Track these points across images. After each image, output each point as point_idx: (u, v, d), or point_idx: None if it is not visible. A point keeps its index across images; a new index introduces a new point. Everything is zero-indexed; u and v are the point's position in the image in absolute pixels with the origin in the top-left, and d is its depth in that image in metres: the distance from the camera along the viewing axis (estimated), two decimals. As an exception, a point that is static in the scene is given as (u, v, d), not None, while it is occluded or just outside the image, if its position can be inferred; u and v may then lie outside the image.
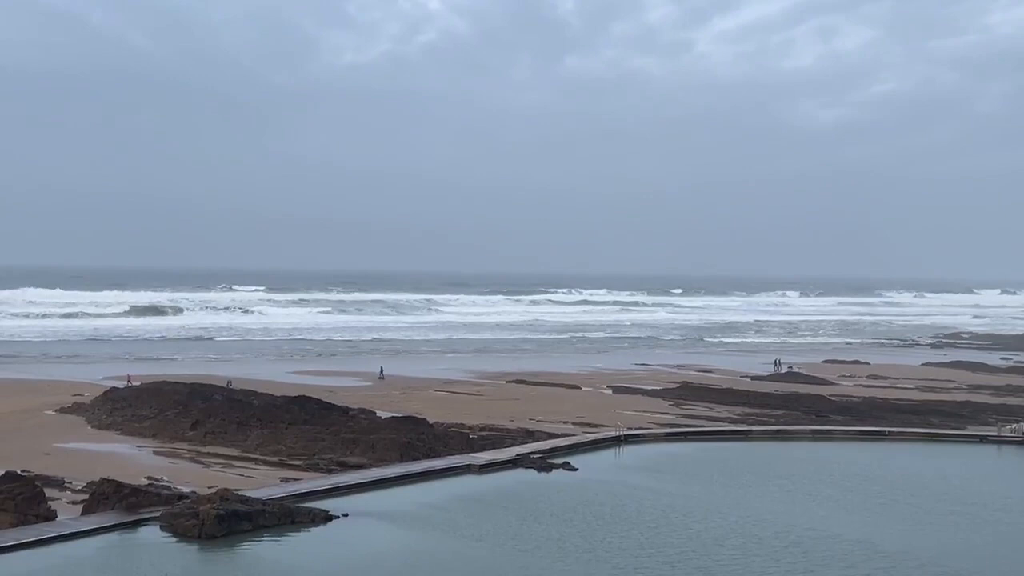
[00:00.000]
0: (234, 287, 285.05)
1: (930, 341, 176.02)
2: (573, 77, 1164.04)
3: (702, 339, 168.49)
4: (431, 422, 65.38)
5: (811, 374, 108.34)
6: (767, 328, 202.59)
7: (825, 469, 56.63)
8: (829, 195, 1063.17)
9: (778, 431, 69.09)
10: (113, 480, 43.24)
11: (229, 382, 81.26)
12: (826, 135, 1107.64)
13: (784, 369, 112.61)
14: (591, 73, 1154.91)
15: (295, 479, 50.24)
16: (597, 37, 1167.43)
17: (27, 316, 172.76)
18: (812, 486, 51.90)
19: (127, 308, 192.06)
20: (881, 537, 41.53)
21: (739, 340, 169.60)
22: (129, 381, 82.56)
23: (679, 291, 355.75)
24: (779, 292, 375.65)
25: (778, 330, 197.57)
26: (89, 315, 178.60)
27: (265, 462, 55.50)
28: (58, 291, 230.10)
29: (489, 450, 58.10)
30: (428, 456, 55.97)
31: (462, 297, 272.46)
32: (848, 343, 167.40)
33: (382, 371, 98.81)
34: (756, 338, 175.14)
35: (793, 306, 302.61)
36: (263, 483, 48.92)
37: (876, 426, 71.96)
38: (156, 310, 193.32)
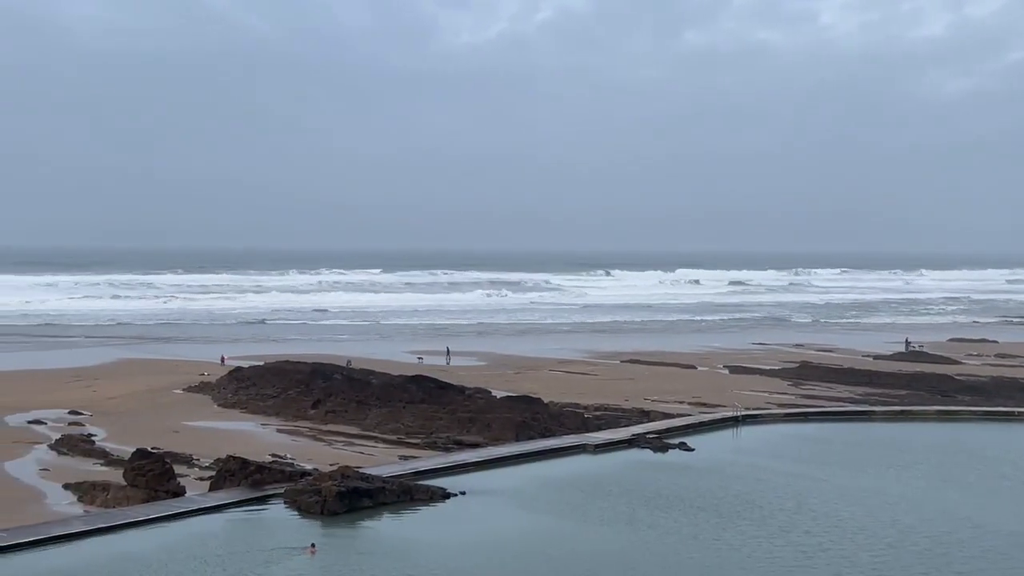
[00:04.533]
0: (348, 270, 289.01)
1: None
2: (692, 52, 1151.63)
3: (824, 319, 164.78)
4: (546, 401, 65.50)
5: (936, 353, 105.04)
6: (892, 306, 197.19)
7: (957, 452, 54.74)
8: (958, 168, 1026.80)
9: (902, 411, 67.19)
10: (239, 457, 44.45)
11: (349, 361, 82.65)
12: (955, 106, 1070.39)
13: (916, 348, 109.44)
14: (711, 47, 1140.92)
15: (413, 457, 50.91)
16: (718, 10, 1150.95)
17: (161, 299, 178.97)
18: (947, 470, 49.96)
19: (238, 289, 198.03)
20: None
21: (862, 320, 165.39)
22: (223, 362, 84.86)
23: (812, 269, 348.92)
24: (903, 271, 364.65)
25: (904, 308, 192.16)
26: (210, 296, 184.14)
27: (384, 440, 56.39)
28: (170, 275, 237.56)
29: (604, 430, 57.90)
30: (543, 435, 56.10)
31: (585, 277, 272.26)
32: (976, 321, 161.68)
33: (448, 352, 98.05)
34: (880, 317, 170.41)
35: (920, 284, 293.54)
36: (382, 461, 49.71)
37: (1005, 406, 69.42)
38: (278, 291, 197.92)
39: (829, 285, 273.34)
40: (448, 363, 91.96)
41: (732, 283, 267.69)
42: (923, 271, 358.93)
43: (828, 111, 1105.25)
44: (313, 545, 35.19)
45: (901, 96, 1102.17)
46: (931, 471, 49.81)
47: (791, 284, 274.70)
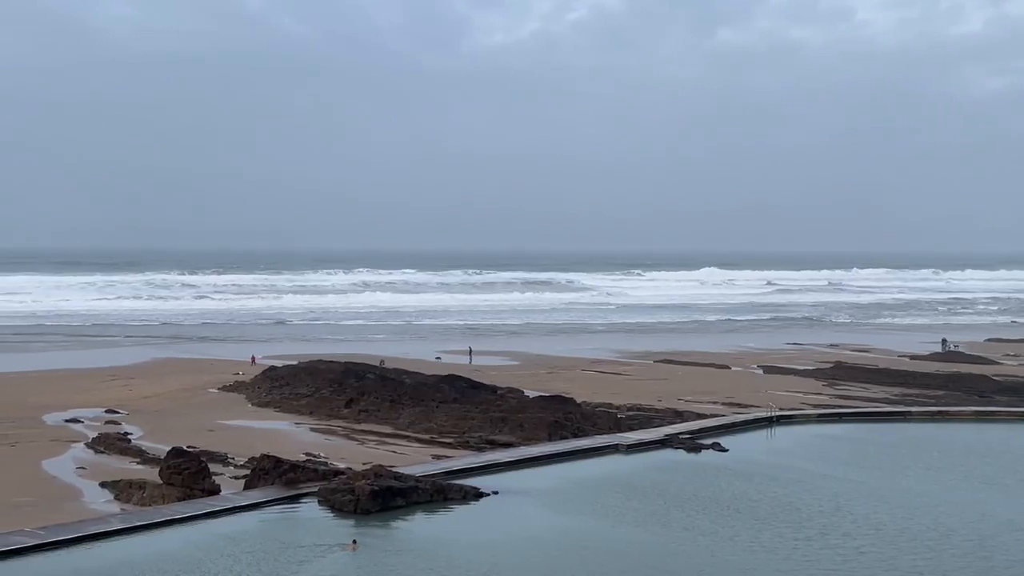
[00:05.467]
0: (383, 269, 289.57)
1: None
2: (726, 50, 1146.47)
3: (861, 319, 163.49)
4: (578, 401, 65.40)
5: (973, 353, 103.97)
6: (927, 306, 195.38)
7: (996, 453, 53.86)
8: (995, 167, 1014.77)
9: (938, 412, 66.46)
10: (273, 456, 44.65)
11: (382, 361, 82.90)
12: (992, 104, 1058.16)
13: (953, 348, 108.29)
14: (745, 46, 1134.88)
15: (446, 456, 50.96)
16: (753, 8, 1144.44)
17: (196, 299, 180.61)
18: (987, 472, 49.05)
19: (272, 289, 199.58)
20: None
21: (899, 320, 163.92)
22: (253, 362, 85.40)
23: (852, 269, 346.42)
24: (938, 270, 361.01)
25: (940, 308, 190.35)
26: (244, 296, 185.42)
27: (417, 439, 56.51)
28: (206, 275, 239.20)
29: (637, 430, 57.68)
30: (576, 435, 55.99)
31: (619, 276, 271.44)
32: (1014, 321, 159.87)
33: (471, 351, 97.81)
34: (918, 317, 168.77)
35: (954, 284, 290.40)
36: (415, 460, 49.80)
37: (1046, 408, 68.52)
38: (305, 292, 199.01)
39: (869, 285, 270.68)
40: (470, 362, 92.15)
41: (769, 283, 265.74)
42: (969, 270, 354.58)
43: (863, 109, 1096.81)
44: (355, 541, 35.44)
45: (937, 93, 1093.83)
46: (970, 473, 49.06)
47: (830, 284, 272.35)
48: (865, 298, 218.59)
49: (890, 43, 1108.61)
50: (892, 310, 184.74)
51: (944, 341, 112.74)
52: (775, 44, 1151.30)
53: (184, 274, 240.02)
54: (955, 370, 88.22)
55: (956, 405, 69.47)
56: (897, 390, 77.83)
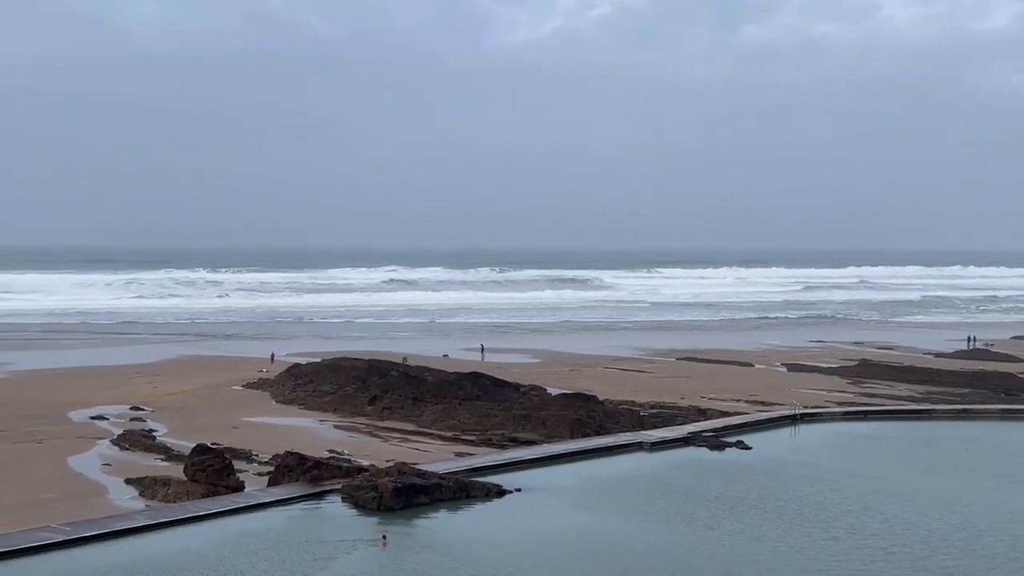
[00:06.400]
0: (407, 267, 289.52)
1: None
2: (750, 47, 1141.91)
3: (886, 317, 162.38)
4: (601, 399, 65.28)
5: (1000, 351, 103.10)
6: (953, 303, 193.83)
7: (1023, 452, 53.49)
8: (1019, 163, 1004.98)
9: (963, 410, 65.99)
10: (296, 453, 44.82)
11: (405, 359, 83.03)
12: (1018, 100, 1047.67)
13: (979, 346, 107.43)
14: (770, 42, 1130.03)
15: (469, 454, 50.99)
16: (778, 3, 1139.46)
17: (220, 297, 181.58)
18: (1015, 471, 48.65)
19: (296, 287, 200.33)
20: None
21: (925, 318, 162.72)
22: (272, 360, 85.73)
23: (879, 266, 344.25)
24: (962, 266, 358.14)
25: (969, 305, 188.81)
26: (268, 294, 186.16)
27: (440, 437, 56.57)
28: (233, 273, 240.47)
29: (660, 428, 57.56)
30: (599, 433, 55.90)
31: (644, 274, 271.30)
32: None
33: (482, 349, 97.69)
34: (943, 315, 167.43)
35: (979, 281, 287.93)
36: (438, 457, 49.83)
37: (1074, 406, 67.87)
38: (329, 290, 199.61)
39: (899, 282, 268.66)
40: (482, 359, 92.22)
41: (798, 281, 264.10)
42: (1004, 268, 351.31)
43: (887, 105, 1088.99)
44: (384, 537, 35.59)
45: (963, 90, 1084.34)
46: (998, 472, 48.62)
47: (861, 281, 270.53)
48: (894, 295, 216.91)
49: (915, 39, 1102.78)
50: (920, 307, 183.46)
51: (970, 338, 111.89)
52: (800, 40, 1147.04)
53: (209, 271, 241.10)
54: (980, 368, 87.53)
55: (981, 403, 68.92)
56: (922, 388, 77.30)
